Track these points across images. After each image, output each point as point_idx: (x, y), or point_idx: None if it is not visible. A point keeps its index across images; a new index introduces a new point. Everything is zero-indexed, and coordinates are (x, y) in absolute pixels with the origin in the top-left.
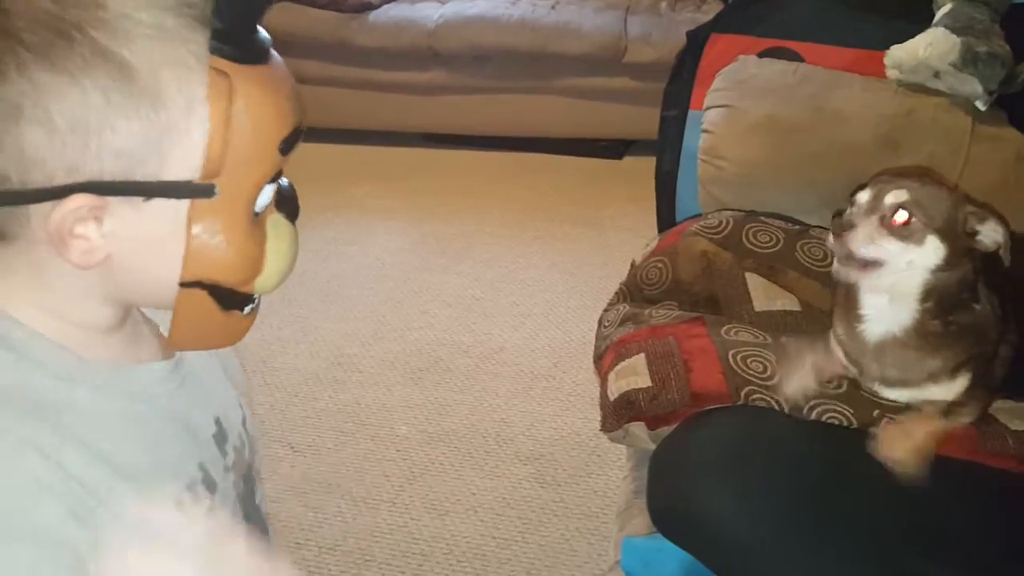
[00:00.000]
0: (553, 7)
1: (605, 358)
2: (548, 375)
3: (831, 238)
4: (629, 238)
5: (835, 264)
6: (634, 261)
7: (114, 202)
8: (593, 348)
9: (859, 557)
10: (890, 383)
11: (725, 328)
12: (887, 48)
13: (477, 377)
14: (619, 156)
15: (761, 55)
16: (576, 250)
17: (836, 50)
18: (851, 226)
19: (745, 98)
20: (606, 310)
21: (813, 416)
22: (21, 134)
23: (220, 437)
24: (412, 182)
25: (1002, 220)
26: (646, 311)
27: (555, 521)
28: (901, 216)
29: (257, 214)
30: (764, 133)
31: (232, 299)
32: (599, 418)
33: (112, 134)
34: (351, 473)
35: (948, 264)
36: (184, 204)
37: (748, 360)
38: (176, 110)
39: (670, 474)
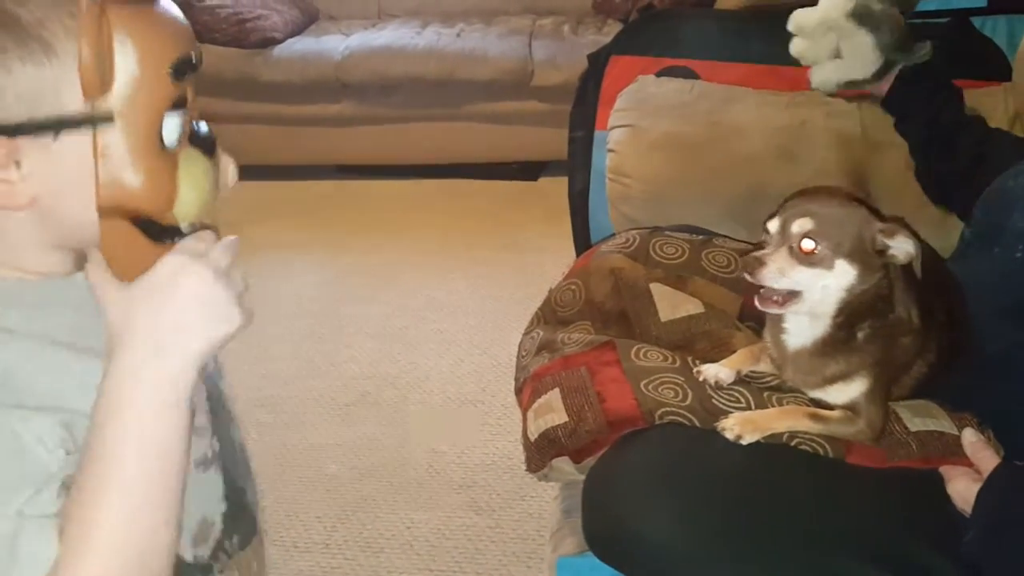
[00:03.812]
0: (458, 35)
1: (524, 392)
2: (476, 401)
3: (746, 276)
4: (548, 258)
5: (757, 302)
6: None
7: (26, 145)
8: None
9: (794, 566)
10: (799, 384)
11: (635, 351)
12: (777, 63)
13: (405, 408)
14: (534, 178)
15: (659, 74)
16: (497, 273)
17: (729, 66)
18: (761, 264)
19: (646, 117)
20: (524, 335)
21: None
22: None
23: None
24: (328, 215)
25: (912, 233)
26: (559, 336)
27: (491, 548)
28: (808, 245)
29: (167, 147)
30: (666, 150)
31: (156, 229)
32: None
33: (9, 78)
34: (281, 518)
35: (862, 281)
36: (89, 137)
37: (660, 388)
38: (65, 52)
39: (603, 499)
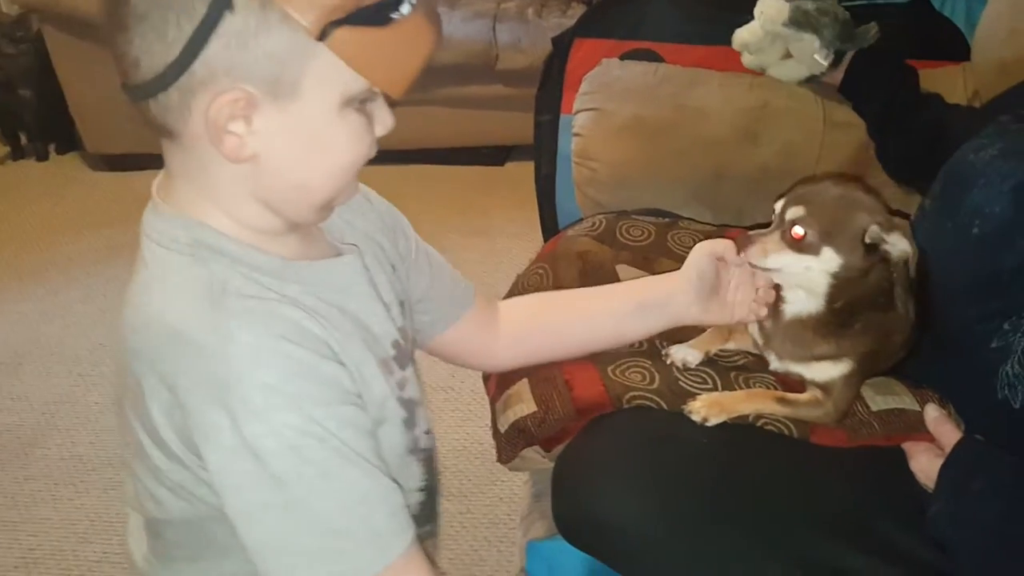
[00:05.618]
0: None
1: (491, 381)
2: (446, 386)
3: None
4: (517, 243)
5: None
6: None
7: (263, 103)
8: None
9: (762, 545)
10: (783, 356)
11: None
12: None
13: None
14: (501, 162)
15: (623, 57)
16: (466, 259)
17: (692, 48)
18: (750, 242)
19: (611, 100)
20: None
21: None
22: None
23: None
24: None
25: (908, 233)
26: None
27: (463, 532)
28: (798, 231)
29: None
30: (631, 133)
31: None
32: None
33: (260, 39)
34: None
35: (849, 270)
36: (330, 103)
37: (627, 372)
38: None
39: (571, 483)
